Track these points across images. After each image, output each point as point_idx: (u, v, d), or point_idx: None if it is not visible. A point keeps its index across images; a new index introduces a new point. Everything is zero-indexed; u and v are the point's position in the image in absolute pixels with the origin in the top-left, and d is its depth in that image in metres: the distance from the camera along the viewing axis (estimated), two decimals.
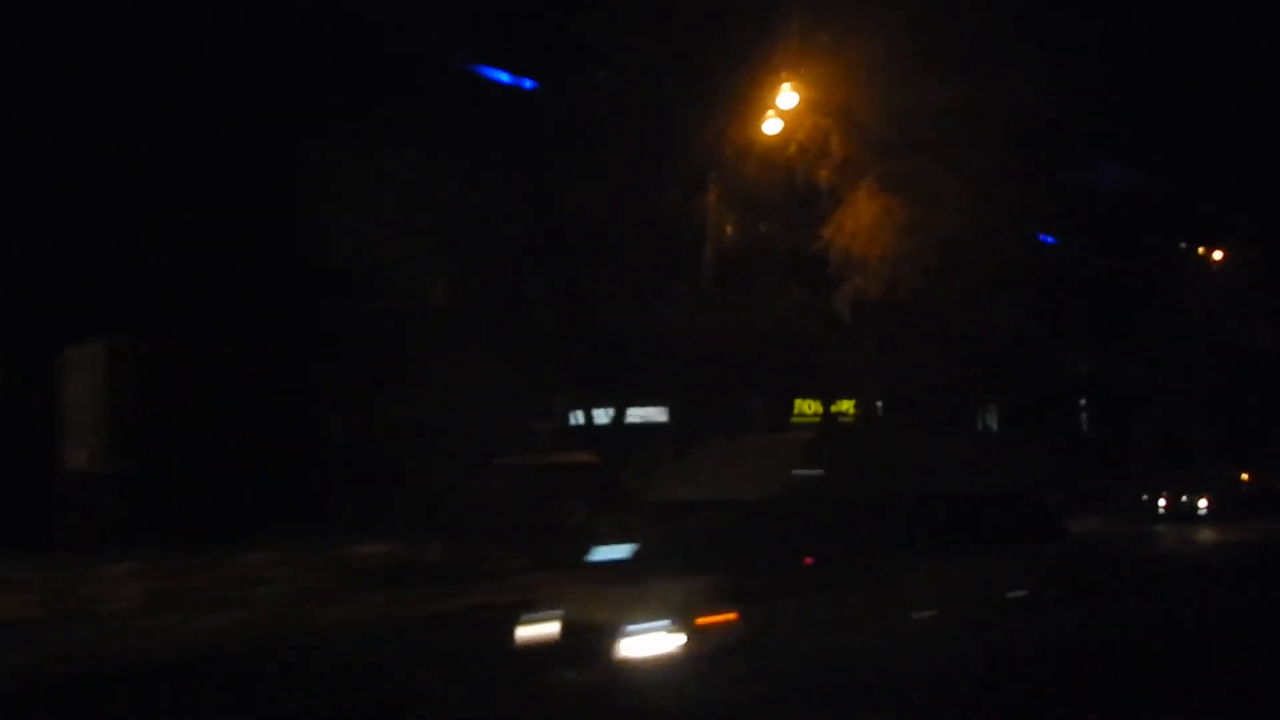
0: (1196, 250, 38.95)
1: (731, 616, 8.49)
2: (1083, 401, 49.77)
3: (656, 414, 30.16)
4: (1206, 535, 26.22)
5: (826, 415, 32.68)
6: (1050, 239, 43.63)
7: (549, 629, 8.79)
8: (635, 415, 29.84)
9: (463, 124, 18.93)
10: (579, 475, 17.49)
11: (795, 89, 19.55)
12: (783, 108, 19.63)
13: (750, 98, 19.71)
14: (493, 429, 21.85)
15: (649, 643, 8.09)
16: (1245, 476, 33.32)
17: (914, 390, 33.97)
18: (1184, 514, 29.37)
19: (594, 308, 20.10)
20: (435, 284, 19.65)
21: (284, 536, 14.75)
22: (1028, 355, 40.83)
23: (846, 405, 35.81)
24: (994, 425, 46.54)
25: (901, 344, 24.22)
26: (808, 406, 34.48)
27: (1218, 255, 38.48)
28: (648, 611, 8.26)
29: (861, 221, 20.90)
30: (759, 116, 19.78)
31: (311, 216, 16.73)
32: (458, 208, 17.81)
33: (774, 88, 19.55)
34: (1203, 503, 29.57)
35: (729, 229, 21.02)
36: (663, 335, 20.09)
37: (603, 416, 28.23)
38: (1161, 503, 30.09)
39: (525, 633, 9.06)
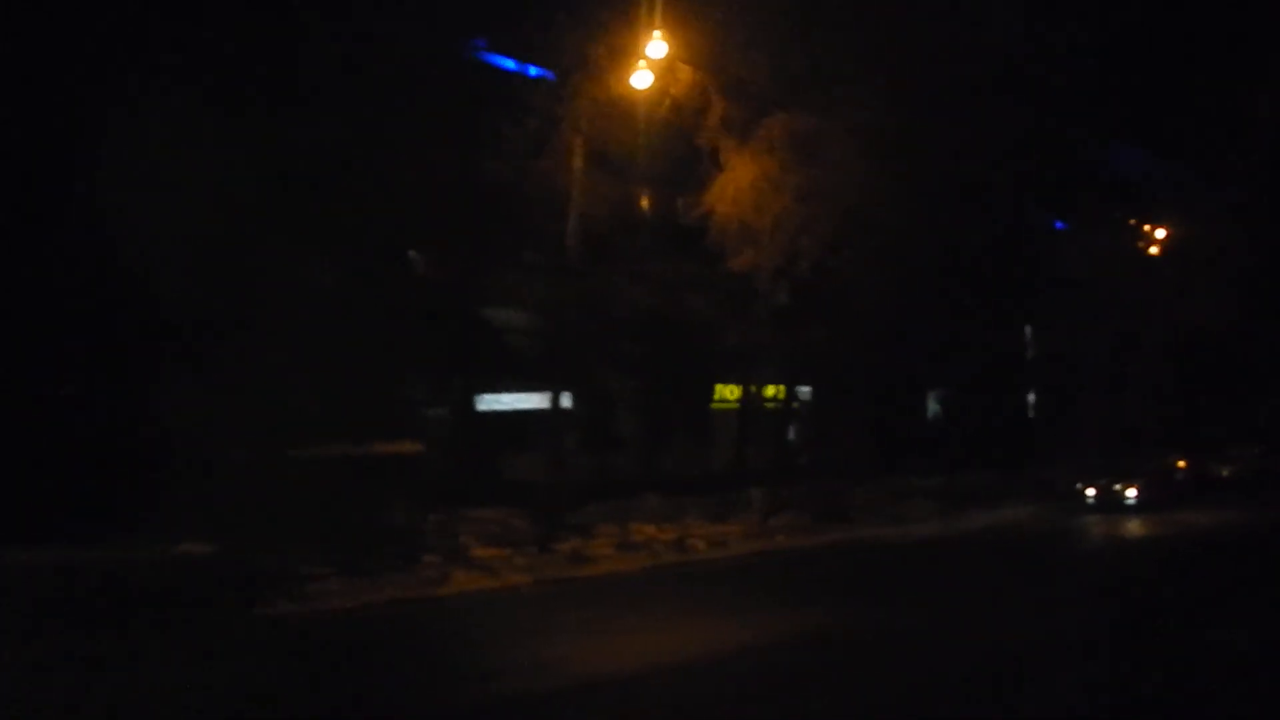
0: (1142, 228, 37.34)
1: None
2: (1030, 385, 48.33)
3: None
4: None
5: (746, 399, 30.78)
6: (1061, 223, 42.28)
7: None
8: (533, 401, 28.03)
9: (279, 77, 16.76)
10: (399, 468, 15.57)
11: (666, 38, 17.58)
12: (653, 58, 17.65)
13: (618, 47, 17.70)
14: (369, 417, 19.99)
15: None
16: (1182, 464, 31.94)
17: (827, 372, 32.44)
18: (1113, 504, 27.83)
19: (447, 283, 18.09)
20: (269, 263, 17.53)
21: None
22: (966, 337, 39.43)
23: (771, 389, 34.13)
24: (939, 410, 45.24)
25: (802, 321, 22.42)
26: (729, 392, 32.46)
27: (1161, 233, 36.91)
28: None
29: (743, 186, 19.05)
30: (627, 68, 17.79)
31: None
32: (275, 167, 15.69)
33: (644, 36, 17.56)
34: (1131, 492, 28.04)
35: (599, 195, 18.93)
36: (522, 310, 18.14)
37: (506, 402, 26.39)
38: (1090, 492, 28.54)
39: None
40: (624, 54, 17.72)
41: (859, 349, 29.29)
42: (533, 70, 19.95)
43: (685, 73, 18.22)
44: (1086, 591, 13.35)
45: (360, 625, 12.12)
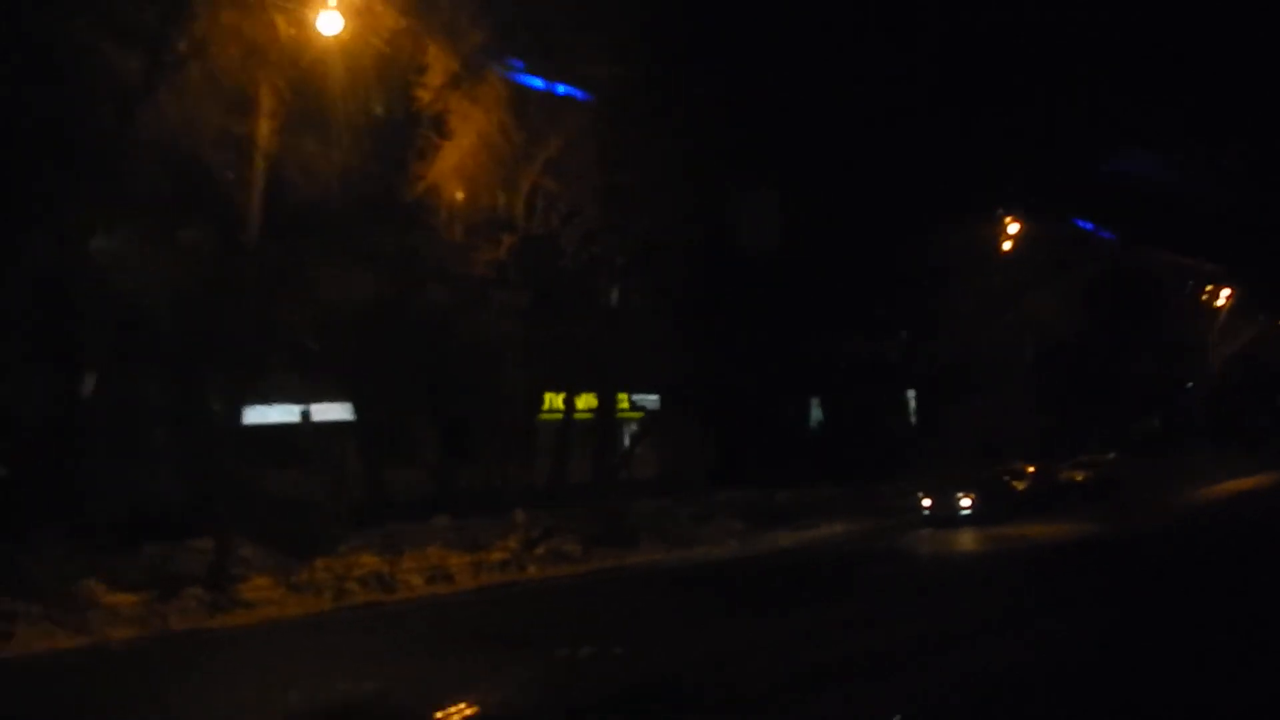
0: (993, 226, 35.59)
1: None
2: (911, 393, 46.79)
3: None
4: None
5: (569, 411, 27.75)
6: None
7: None
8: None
9: None
10: None
11: None
12: None
13: None
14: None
15: None
16: (1030, 470, 30.01)
17: (656, 379, 29.85)
18: (948, 516, 25.62)
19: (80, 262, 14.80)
20: None
21: None
22: (835, 342, 37.40)
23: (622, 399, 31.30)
24: (819, 418, 43.36)
25: (566, 318, 19.66)
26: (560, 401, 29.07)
27: (1014, 229, 35.23)
28: None
29: (467, 159, 16.19)
30: (313, 8, 14.77)
31: None
32: None
33: None
34: (965, 503, 25.85)
35: (299, 162, 15.82)
36: (184, 299, 14.99)
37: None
38: (927, 503, 26.28)
39: None
40: None
41: (674, 353, 26.74)
42: None
43: (388, 18, 15.27)
44: (784, 641, 10.60)
45: None
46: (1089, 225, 43.21)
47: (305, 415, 19.57)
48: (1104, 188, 41.32)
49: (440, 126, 16.55)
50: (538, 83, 18.25)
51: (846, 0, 29.27)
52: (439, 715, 7.91)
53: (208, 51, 13.92)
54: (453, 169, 16.37)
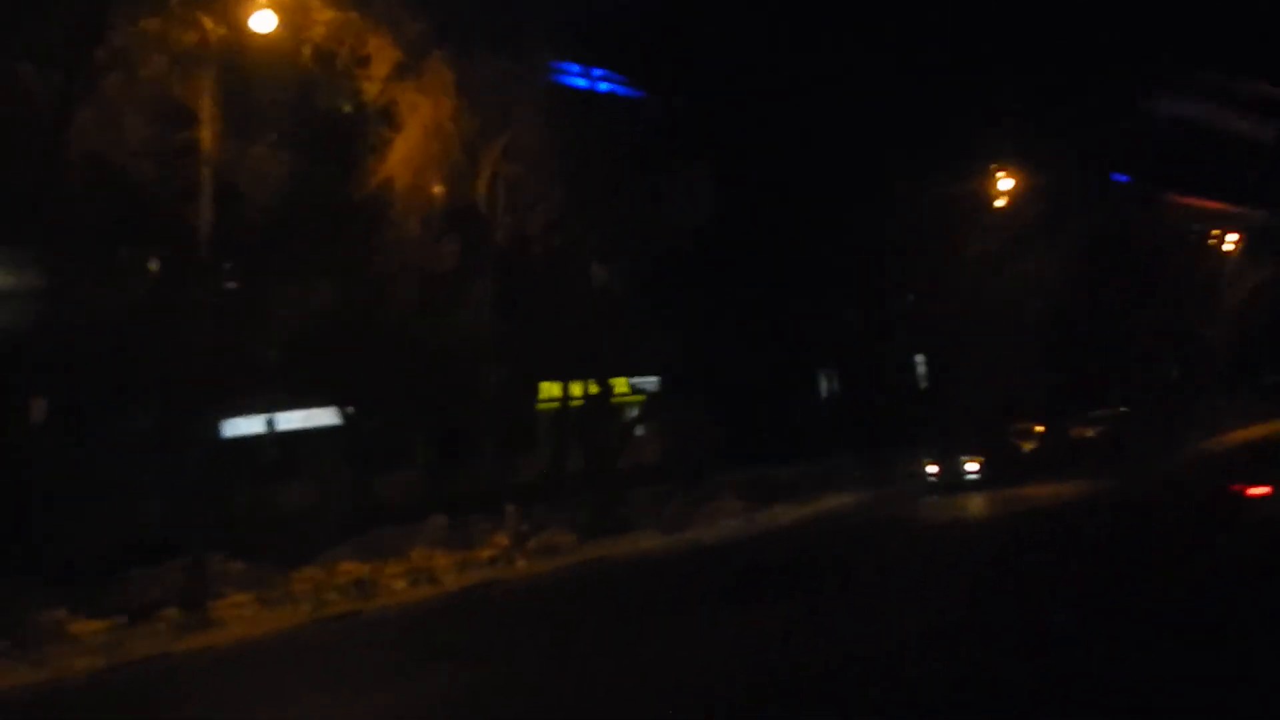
0: (988, 180, 34.61)
1: None
2: (920, 358, 46.12)
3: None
4: None
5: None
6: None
7: None
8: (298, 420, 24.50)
9: None
10: None
11: None
12: None
13: None
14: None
15: None
16: (1040, 429, 29.36)
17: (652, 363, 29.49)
18: (954, 482, 25.05)
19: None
20: None
21: None
22: (835, 312, 36.86)
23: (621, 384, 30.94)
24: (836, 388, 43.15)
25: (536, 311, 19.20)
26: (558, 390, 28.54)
27: (1010, 184, 34.24)
28: None
29: (419, 150, 15.71)
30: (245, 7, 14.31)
31: None
32: None
33: None
34: (971, 467, 25.25)
35: (250, 171, 15.41)
36: (126, 319, 14.62)
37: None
38: (932, 470, 25.71)
39: None
40: None
41: (668, 335, 26.25)
42: None
43: (323, 13, 14.78)
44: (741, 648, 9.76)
45: None
46: (1098, 170, 41.98)
47: (270, 425, 19.23)
48: (1115, 128, 39.99)
49: (390, 119, 16.07)
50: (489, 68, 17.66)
51: None
52: None
53: (132, 62, 13.46)
54: (406, 161, 15.90)
